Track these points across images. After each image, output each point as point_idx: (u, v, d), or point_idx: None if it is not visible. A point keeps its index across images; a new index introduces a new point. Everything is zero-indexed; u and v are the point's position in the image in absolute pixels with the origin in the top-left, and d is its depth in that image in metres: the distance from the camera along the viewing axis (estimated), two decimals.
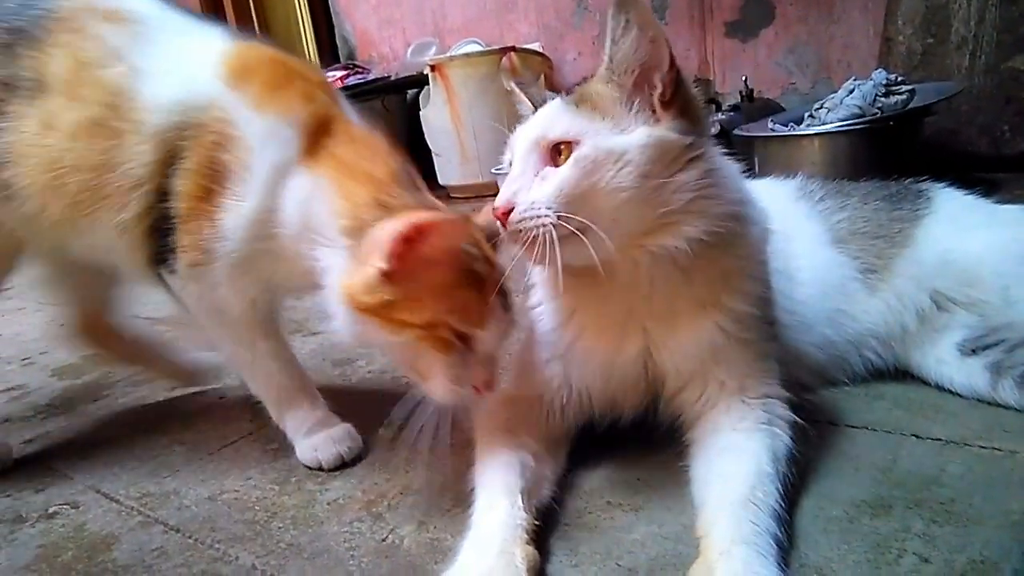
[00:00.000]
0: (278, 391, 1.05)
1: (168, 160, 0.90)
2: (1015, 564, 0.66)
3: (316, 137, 0.90)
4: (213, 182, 0.89)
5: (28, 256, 1.10)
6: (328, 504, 0.94)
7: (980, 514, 0.74)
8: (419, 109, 3.29)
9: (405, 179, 0.90)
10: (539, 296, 0.94)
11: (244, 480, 1.04)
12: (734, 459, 0.78)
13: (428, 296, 0.80)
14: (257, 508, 0.96)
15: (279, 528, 0.90)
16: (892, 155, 1.90)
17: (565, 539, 0.79)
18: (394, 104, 3.49)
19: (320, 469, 1.03)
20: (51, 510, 1.02)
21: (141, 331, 1.35)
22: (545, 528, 0.80)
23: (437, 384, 0.83)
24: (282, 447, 1.10)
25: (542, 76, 3.25)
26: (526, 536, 0.74)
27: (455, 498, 0.88)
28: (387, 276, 0.79)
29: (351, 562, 0.82)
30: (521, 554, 0.71)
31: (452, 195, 3.21)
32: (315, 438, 1.04)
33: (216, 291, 0.95)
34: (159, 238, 0.94)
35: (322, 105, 0.92)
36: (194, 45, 0.95)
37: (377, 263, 0.79)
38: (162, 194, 0.91)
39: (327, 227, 0.87)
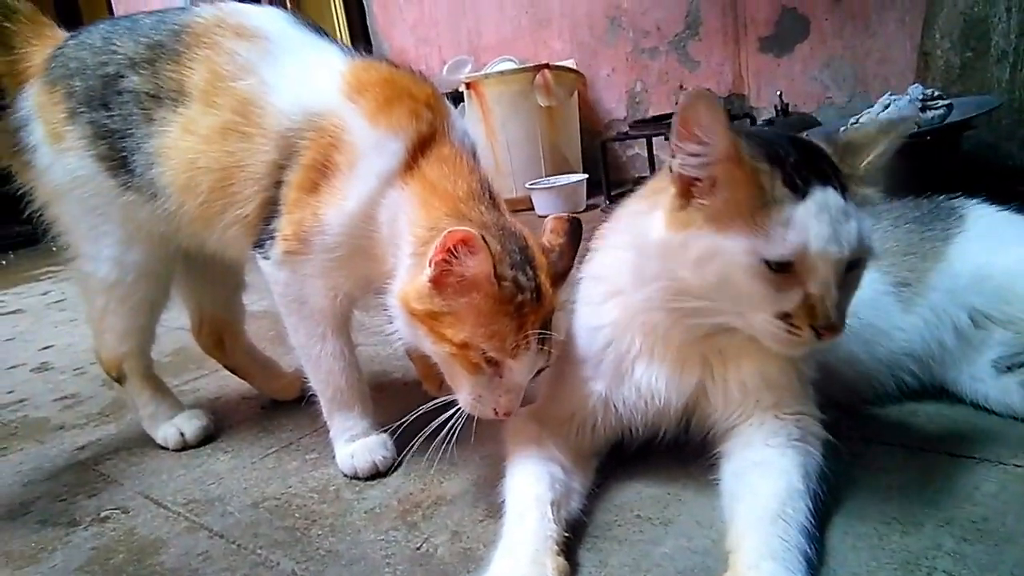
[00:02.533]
0: (335, 390, 1.09)
1: (287, 157, 1.00)
2: None
3: (416, 154, 0.97)
4: (322, 178, 0.98)
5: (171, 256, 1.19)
6: (365, 513, 0.97)
7: (1012, 533, 0.74)
8: None
9: (483, 197, 0.96)
10: (587, 310, 0.94)
11: (285, 488, 1.07)
12: (765, 475, 0.78)
13: (468, 316, 0.85)
14: (297, 515, 0.99)
15: (318, 535, 0.93)
16: (930, 169, 1.88)
17: (595, 551, 0.81)
18: None
19: (355, 477, 1.06)
20: (103, 514, 1.07)
21: (253, 346, 1.41)
22: (575, 540, 0.82)
23: (462, 397, 0.90)
24: (321, 456, 1.14)
25: (575, 92, 3.28)
26: (556, 547, 0.76)
27: (488, 509, 0.90)
28: (434, 285, 0.85)
29: (387, 569, 0.84)
30: (552, 564, 0.73)
31: None
32: (354, 446, 1.08)
33: (305, 282, 1.03)
34: (264, 225, 1.03)
35: (426, 123, 0.99)
36: (317, 61, 1.04)
37: (427, 271, 0.85)
38: (276, 186, 1.01)
39: (405, 236, 0.94)
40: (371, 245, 0.99)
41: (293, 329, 1.08)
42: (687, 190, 0.77)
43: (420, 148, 0.97)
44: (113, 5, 5.19)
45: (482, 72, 3.33)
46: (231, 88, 1.02)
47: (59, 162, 1.11)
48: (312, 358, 1.08)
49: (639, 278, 0.84)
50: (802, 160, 0.76)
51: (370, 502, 1.00)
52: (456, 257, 0.83)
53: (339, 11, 4.54)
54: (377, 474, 1.06)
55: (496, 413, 0.89)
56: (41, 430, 1.42)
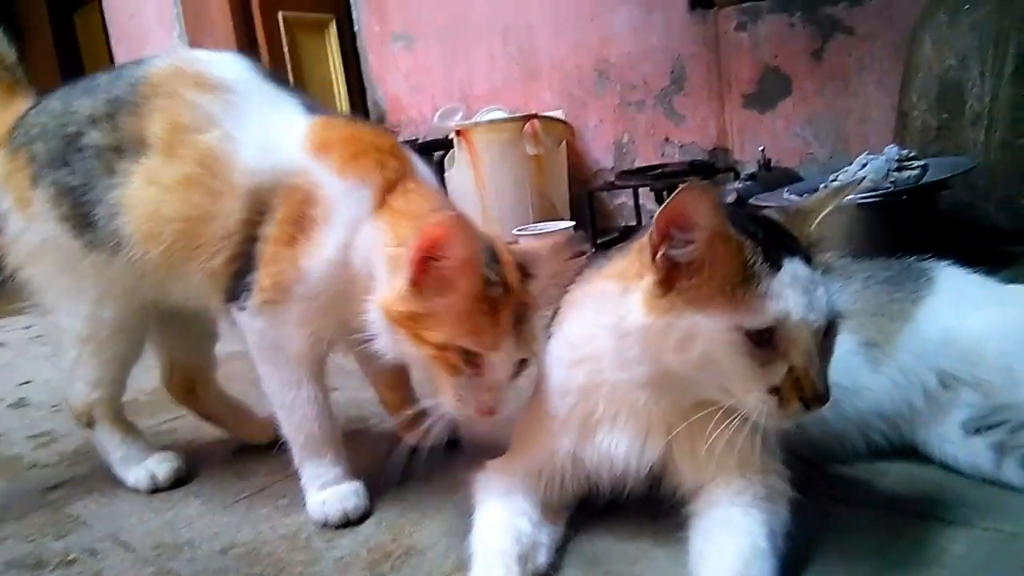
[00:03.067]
0: (307, 437, 1.10)
1: (258, 213, 1.04)
2: None
3: (383, 197, 1.02)
4: (299, 231, 1.02)
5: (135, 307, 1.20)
6: (334, 561, 0.96)
7: None
8: (444, 171, 3.39)
9: (449, 209, 1.02)
10: (558, 370, 0.95)
11: (255, 534, 1.06)
12: (730, 533, 0.79)
13: (446, 316, 0.90)
14: (266, 562, 0.98)
15: None
16: (907, 228, 1.93)
17: None
18: None
19: (326, 524, 1.05)
20: (71, 557, 1.06)
21: (224, 392, 1.41)
22: None
23: (446, 400, 0.94)
24: (292, 502, 1.13)
25: (564, 141, 3.34)
26: None
27: (457, 561, 0.90)
28: (413, 286, 0.90)
29: None
30: None
31: None
32: (325, 493, 1.07)
33: (283, 330, 1.05)
34: (238, 278, 1.06)
35: (391, 171, 1.04)
36: (281, 118, 1.08)
37: (405, 272, 0.90)
38: (249, 241, 1.04)
39: (379, 263, 0.99)
40: (350, 288, 1.02)
41: (267, 376, 1.09)
42: (669, 276, 0.80)
43: (387, 191, 1.03)
44: (113, 50, 5.27)
45: (472, 120, 3.39)
46: (194, 140, 1.05)
47: (29, 228, 1.14)
48: (286, 405, 1.09)
49: (621, 361, 0.85)
50: (769, 234, 0.79)
51: (340, 551, 0.99)
52: (433, 255, 0.88)
53: (335, 56, 4.63)
54: (348, 522, 1.05)
55: (480, 412, 0.92)
56: (13, 467, 1.41)
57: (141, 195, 1.06)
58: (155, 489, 1.22)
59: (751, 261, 0.77)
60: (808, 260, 0.81)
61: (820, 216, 0.87)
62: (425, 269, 0.89)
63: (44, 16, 6.04)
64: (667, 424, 0.87)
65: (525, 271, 0.97)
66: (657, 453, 0.89)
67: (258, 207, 1.03)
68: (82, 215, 1.10)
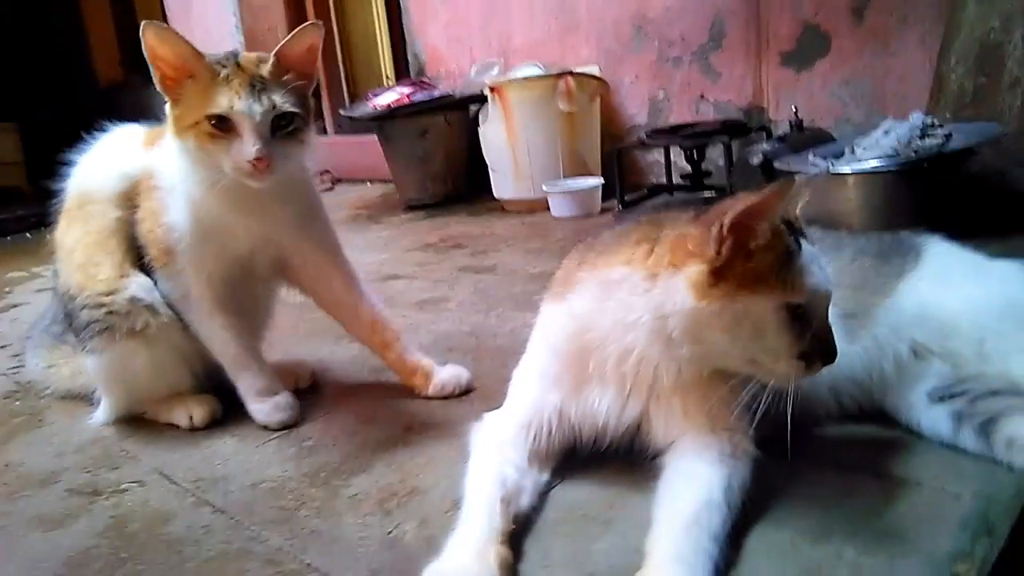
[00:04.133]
0: (231, 357, 1.36)
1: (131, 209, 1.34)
2: None
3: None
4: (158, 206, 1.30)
5: None
6: (348, 498, 1.09)
7: (909, 549, 0.82)
8: (479, 125, 3.45)
9: None
10: (558, 336, 1.03)
11: (282, 471, 1.19)
12: (689, 485, 0.88)
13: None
14: (289, 497, 1.11)
15: (305, 516, 1.05)
16: (929, 197, 1.93)
17: (540, 544, 0.91)
18: (456, 119, 3.65)
19: (267, 428, 1.33)
20: (123, 486, 1.21)
21: None
22: (524, 533, 0.92)
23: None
24: (316, 444, 1.27)
25: (598, 97, 3.36)
26: (501, 538, 0.86)
27: (454, 501, 1.01)
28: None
29: (360, 550, 0.96)
30: (495, 553, 0.83)
31: (505, 208, 3.35)
32: (265, 403, 1.34)
33: (181, 279, 1.31)
34: (144, 266, 1.34)
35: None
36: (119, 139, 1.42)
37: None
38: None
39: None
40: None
41: (191, 321, 1.35)
42: (725, 264, 0.87)
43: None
44: (166, 5, 5.40)
45: (506, 77, 3.42)
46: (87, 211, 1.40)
47: None
48: (207, 336, 1.35)
49: (659, 339, 0.92)
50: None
51: (354, 488, 1.11)
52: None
53: (379, 7, 4.68)
54: (286, 427, 1.32)
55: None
56: (75, 406, 1.57)
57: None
58: (192, 429, 1.37)
59: (788, 244, 0.89)
60: (805, 238, 0.92)
61: (802, 201, 0.95)
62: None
63: None
64: (648, 386, 0.96)
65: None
66: (637, 411, 0.98)
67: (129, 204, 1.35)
68: None
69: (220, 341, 1.35)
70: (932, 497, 0.91)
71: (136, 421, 1.44)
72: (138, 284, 1.33)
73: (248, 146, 1.15)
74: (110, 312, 1.32)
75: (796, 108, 2.77)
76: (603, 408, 0.99)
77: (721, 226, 0.86)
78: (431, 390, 1.39)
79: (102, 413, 1.43)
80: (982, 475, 0.94)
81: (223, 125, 1.16)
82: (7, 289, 2.88)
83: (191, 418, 1.37)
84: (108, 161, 1.38)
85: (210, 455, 1.28)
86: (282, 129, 1.20)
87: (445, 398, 1.39)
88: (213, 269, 1.31)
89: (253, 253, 1.34)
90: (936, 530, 0.85)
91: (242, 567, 0.95)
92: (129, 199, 1.33)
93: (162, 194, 1.29)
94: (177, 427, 1.38)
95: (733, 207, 0.86)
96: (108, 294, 1.32)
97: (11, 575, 1.01)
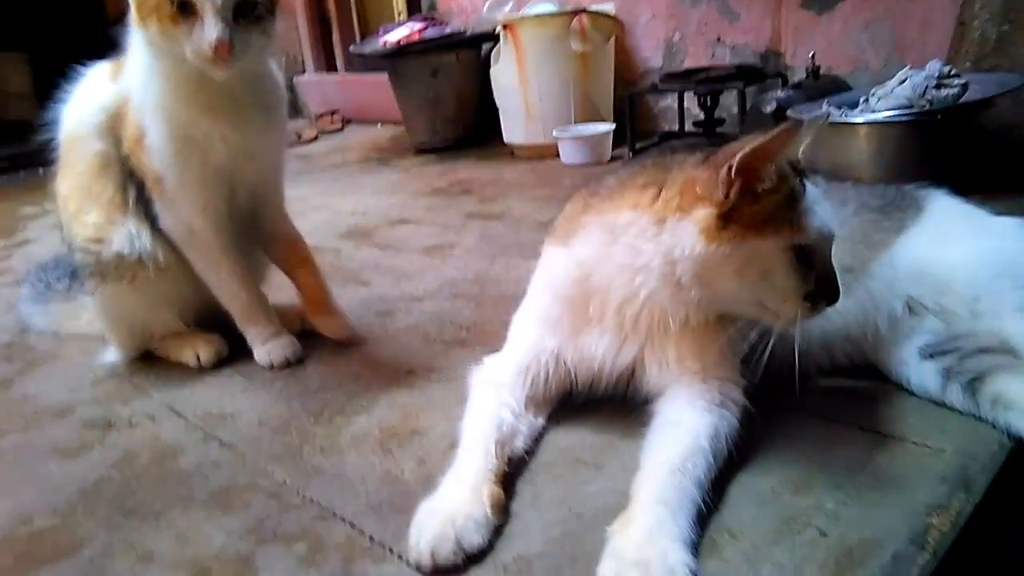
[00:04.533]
0: (241, 306, 1.40)
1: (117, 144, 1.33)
2: (898, 546, 0.78)
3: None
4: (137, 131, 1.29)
5: None
6: (351, 437, 1.13)
7: (887, 501, 0.85)
8: (490, 66, 3.39)
9: None
10: (560, 282, 1.04)
11: (287, 409, 1.24)
12: (676, 432, 0.91)
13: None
14: (294, 434, 1.15)
15: (309, 452, 1.10)
16: (942, 150, 1.91)
17: (532, 485, 0.95)
18: (468, 59, 3.59)
19: (271, 367, 1.37)
20: (133, 420, 1.25)
21: None
22: (517, 474, 0.96)
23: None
24: (321, 385, 1.30)
25: (612, 38, 3.29)
26: (494, 478, 0.90)
27: (451, 442, 1.04)
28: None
29: (360, 487, 1.00)
30: (487, 491, 0.87)
31: (515, 153, 3.33)
32: (268, 345, 1.39)
33: (178, 209, 1.31)
34: (143, 202, 1.33)
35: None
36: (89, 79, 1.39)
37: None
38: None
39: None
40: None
41: (195, 262, 1.36)
42: (734, 207, 0.88)
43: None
44: None
45: (519, 14, 3.35)
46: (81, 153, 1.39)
47: None
48: (215, 284, 1.38)
49: (668, 284, 0.93)
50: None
51: (356, 427, 1.15)
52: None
53: None
54: (288, 364, 1.38)
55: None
56: (91, 343, 1.61)
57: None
58: (199, 368, 1.41)
59: (794, 185, 0.90)
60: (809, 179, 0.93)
61: (805, 143, 0.95)
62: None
63: None
64: (645, 331, 0.98)
65: None
66: (631, 356, 1.00)
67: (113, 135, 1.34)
68: None
69: (228, 293, 1.39)
70: (915, 452, 0.94)
71: (148, 358, 1.48)
72: (122, 236, 1.34)
73: (209, 29, 1.12)
74: (98, 260, 1.35)
75: (813, 54, 2.70)
76: (599, 352, 1.01)
77: (730, 168, 0.87)
78: (321, 326, 1.47)
79: (110, 351, 1.47)
80: (966, 432, 0.96)
81: (185, 9, 1.13)
82: (21, 225, 2.92)
83: (198, 357, 1.41)
84: (83, 100, 1.38)
85: (218, 393, 1.32)
86: (244, 16, 1.17)
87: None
88: (202, 191, 1.30)
89: (234, 173, 1.32)
90: (916, 484, 0.87)
91: (247, 500, 1.00)
92: (112, 131, 1.33)
93: (137, 115, 1.28)
94: (187, 366, 1.42)
95: (741, 149, 0.86)
96: (96, 241, 1.35)
97: (30, 499, 1.06)
